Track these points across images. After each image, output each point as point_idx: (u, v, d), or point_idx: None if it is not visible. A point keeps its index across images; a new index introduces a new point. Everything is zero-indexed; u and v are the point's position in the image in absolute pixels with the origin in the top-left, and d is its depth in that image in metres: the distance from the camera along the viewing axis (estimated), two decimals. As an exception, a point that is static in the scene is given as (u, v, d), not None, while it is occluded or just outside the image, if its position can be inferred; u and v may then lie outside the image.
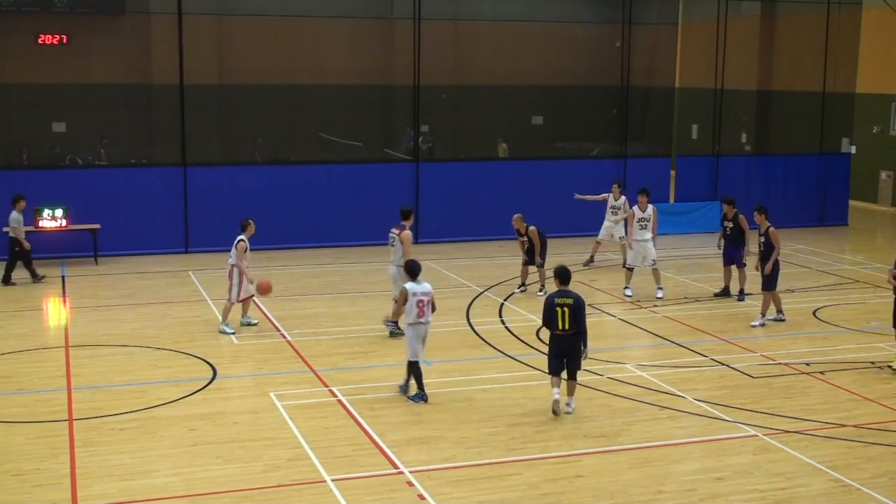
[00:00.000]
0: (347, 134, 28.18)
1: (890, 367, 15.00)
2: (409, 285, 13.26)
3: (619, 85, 28.19)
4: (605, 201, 22.56)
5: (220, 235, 23.50)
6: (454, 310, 18.40)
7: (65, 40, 26.12)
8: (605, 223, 22.49)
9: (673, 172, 28.77)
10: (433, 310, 13.45)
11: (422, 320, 13.22)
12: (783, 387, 14.30)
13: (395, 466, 11.27)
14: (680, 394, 13.83)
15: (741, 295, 19.25)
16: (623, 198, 22.28)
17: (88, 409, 12.99)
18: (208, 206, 23.75)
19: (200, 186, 23.81)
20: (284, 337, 16.59)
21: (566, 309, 12.69)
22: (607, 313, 18.35)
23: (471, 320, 17.73)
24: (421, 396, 13.33)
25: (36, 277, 20.57)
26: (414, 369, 13.37)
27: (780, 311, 17.74)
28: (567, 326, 12.71)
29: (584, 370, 14.56)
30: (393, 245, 16.76)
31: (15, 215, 20.44)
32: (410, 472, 11.12)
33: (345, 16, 27.69)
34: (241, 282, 16.62)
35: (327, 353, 15.70)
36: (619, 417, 12.94)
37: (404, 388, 13.55)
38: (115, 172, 24.33)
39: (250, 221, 16.98)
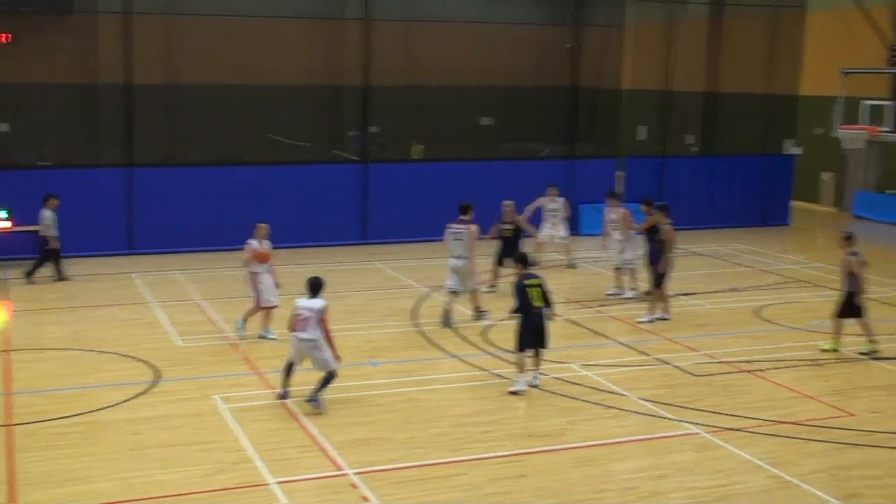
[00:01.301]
0: (296, 135, 28.09)
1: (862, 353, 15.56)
2: (298, 301, 13.25)
3: (568, 86, 28.36)
4: (542, 207, 22.48)
5: (165, 237, 23.40)
6: (401, 311, 18.42)
7: (9, 39, 25.77)
8: (545, 225, 22.46)
9: (620, 173, 29.00)
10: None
11: (298, 334, 13.09)
12: (724, 385, 14.49)
13: (340, 468, 11.27)
14: (623, 393, 13.97)
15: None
16: (561, 199, 22.35)
17: (28, 414, 12.83)
18: (154, 207, 23.55)
19: (147, 188, 23.61)
20: (229, 339, 16.50)
21: (537, 288, 13.86)
22: (553, 313, 18.41)
23: (417, 321, 17.74)
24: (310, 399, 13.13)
25: (61, 277, 20.63)
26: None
27: (666, 310, 17.97)
28: (540, 303, 13.85)
29: (527, 369, 14.68)
30: (457, 240, 17.04)
31: (47, 213, 20.54)
32: (355, 473, 11.12)
33: (294, 16, 27.59)
34: (257, 288, 16.28)
35: (273, 355, 15.61)
36: (563, 417, 13.04)
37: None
38: (59, 173, 24.02)
39: (259, 224, 16.66)
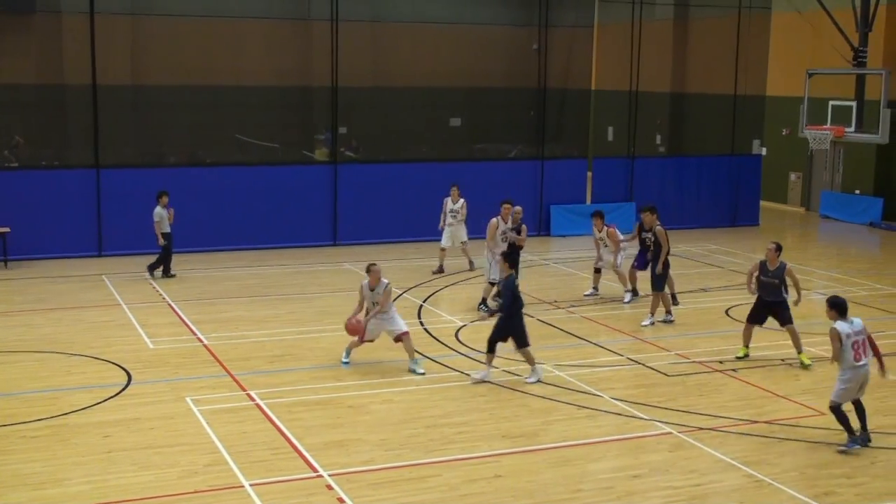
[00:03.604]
0: (265, 136, 27.93)
1: (801, 363, 15.37)
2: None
3: (536, 87, 28.43)
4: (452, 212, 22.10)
5: (134, 239, 23.19)
6: (372, 312, 18.36)
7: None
8: (447, 228, 22.01)
9: (589, 174, 29.12)
10: None
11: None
12: (697, 385, 14.57)
13: (314, 470, 11.22)
14: (597, 393, 14.00)
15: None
16: (462, 200, 22.02)
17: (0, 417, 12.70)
18: (122, 208, 23.36)
19: (114, 189, 23.42)
20: (201, 341, 16.39)
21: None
22: (525, 314, 18.44)
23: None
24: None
25: (168, 273, 21.05)
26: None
27: (668, 311, 18.00)
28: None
29: (503, 370, 14.72)
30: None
31: (158, 210, 20.86)
32: (329, 475, 11.07)
33: (262, 16, 27.41)
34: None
35: (245, 356, 15.56)
36: (538, 417, 13.05)
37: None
38: (25, 174, 23.77)
39: (372, 268, 14.97)
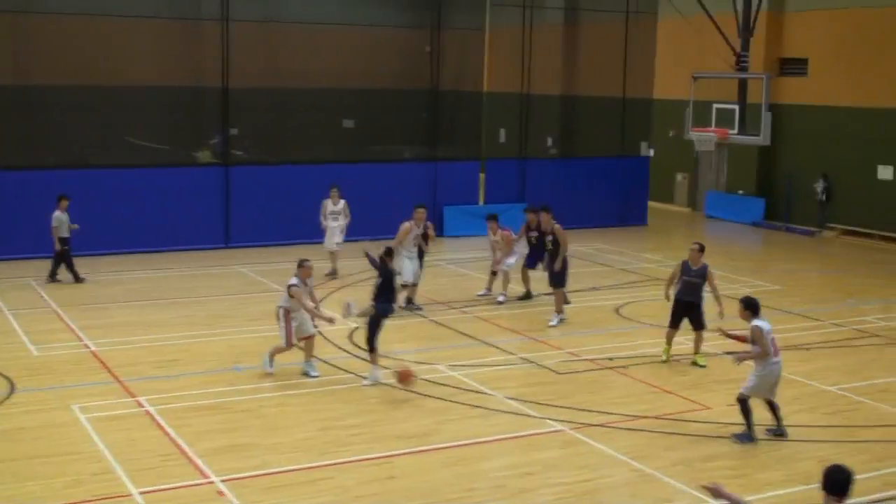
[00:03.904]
0: (155, 137, 27.42)
1: (695, 362, 15.70)
2: None
3: (429, 89, 28.53)
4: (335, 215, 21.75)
5: (19, 242, 22.54)
6: (265, 315, 18.14)
7: None
8: (329, 230, 21.60)
9: (482, 175, 29.35)
10: None
11: None
12: (588, 382, 14.81)
13: (206, 476, 11.07)
14: (490, 392, 14.13)
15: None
16: (342, 202, 21.63)
17: None
18: (6, 212, 22.70)
19: (-1, 191, 22.78)
20: (89, 347, 16.02)
21: None
22: (419, 315, 18.55)
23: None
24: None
25: (78, 279, 20.52)
26: None
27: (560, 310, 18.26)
28: None
29: (396, 372, 14.74)
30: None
31: (57, 214, 20.27)
32: (222, 480, 10.94)
33: (151, 15, 26.90)
34: (288, 324, 14.58)
35: (134, 362, 15.26)
36: (431, 417, 13.11)
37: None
38: None
39: (305, 263, 14.74)
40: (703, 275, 15.54)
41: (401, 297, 18.11)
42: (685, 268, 15.64)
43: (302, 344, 14.68)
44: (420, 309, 18.60)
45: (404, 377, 13.87)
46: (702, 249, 15.67)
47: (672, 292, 15.85)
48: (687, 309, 15.62)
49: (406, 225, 18.75)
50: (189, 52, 26.84)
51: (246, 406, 13.35)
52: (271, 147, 28.66)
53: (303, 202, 25.53)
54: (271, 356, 14.68)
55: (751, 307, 12.44)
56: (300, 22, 29.27)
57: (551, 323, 17.92)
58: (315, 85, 29.39)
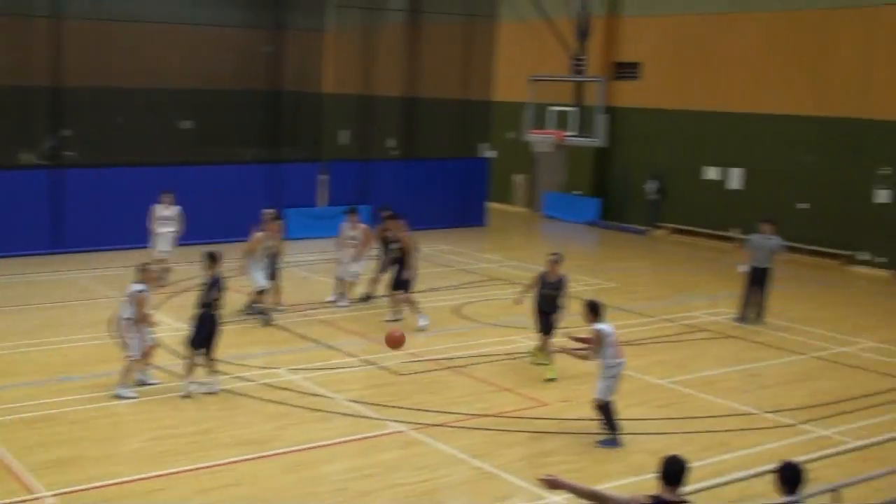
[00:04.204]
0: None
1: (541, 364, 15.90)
2: None
3: (269, 90, 28.23)
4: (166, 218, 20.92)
5: None
6: (99, 322, 17.67)
7: None
8: (157, 236, 20.69)
9: (324, 177, 29.20)
10: None
11: None
12: (428, 382, 14.92)
13: (35, 491, 10.66)
14: (330, 395, 14.08)
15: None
16: (176, 208, 20.79)
17: None
18: None
19: None
20: None
21: None
22: (261, 319, 18.31)
23: (113, 333, 17.03)
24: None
25: None
26: None
27: (397, 313, 18.27)
28: None
29: (236, 376, 14.55)
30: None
31: None
32: (52, 495, 10.57)
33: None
34: (137, 334, 13.83)
35: (-45, 373, 14.57)
36: (272, 423, 12.97)
37: None
38: None
39: (148, 267, 14.29)
40: (559, 287, 15.45)
41: (259, 301, 17.87)
42: (543, 279, 15.63)
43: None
44: (265, 315, 18.13)
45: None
46: (557, 261, 15.58)
47: (528, 299, 15.84)
48: (547, 317, 15.60)
49: (259, 235, 18.35)
50: (18, 50, 25.86)
51: (76, 417, 12.91)
52: (106, 149, 27.88)
53: (139, 205, 24.84)
54: (126, 379, 13.77)
55: (594, 310, 12.66)
56: (136, 20, 28.61)
57: (421, 324, 17.66)
58: (152, 85, 28.78)
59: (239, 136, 30.01)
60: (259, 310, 18.17)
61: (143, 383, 14.07)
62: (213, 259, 14.22)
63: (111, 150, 27.82)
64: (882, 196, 25.01)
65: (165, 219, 20.74)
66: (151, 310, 14.45)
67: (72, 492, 10.69)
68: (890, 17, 24.59)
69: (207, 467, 11.50)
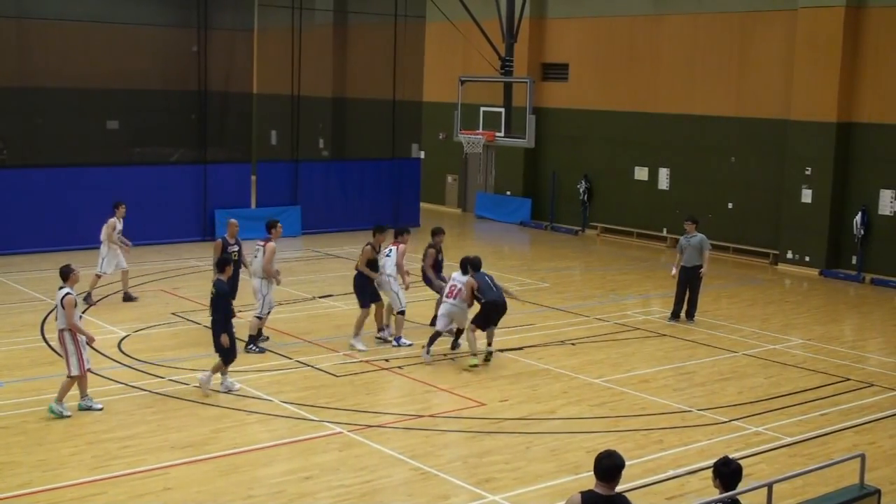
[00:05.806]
0: None
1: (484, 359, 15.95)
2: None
3: (197, 90, 27.91)
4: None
5: None
6: (28, 325, 17.34)
7: None
8: (110, 251, 19.40)
9: (253, 178, 28.97)
10: None
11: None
12: (365, 383, 14.88)
13: (-37, 499, 10.43)
14: (267, 397, 13.97)
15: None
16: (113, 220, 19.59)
17: None
18: None
19: None
20: None
21: None
22: (192, 321, 18.12)
23: (45, 336, 16.73)
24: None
25: None
26: None
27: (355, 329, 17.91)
28: None
29: (170, 380, 14.37)
30: (255, 256, 16.59)
31: None
32: (-19, 503, 10.35)
33: None
34: (77, 347, 13.08)
35: None
36: (207, 426, 12.83)
37: None
38: None
39: (71, 268, 13.40)
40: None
41: None
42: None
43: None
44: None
45: None
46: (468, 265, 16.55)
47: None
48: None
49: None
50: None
51: (6, 423, 12.63)
52: (30, 150, 27.32)
53: (66, 207, 24.46)
54: (62, 396, 13.01)
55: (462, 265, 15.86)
56: (60, 19, 28.08)
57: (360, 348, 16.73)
58: (76, 85, 28.26)
59: (166, 136, 29.61)
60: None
61: (88, 408, 13.28)
62: (225, 264, 14.54)
63: (36, 151, 27.25)
64: (806, 196, 25.54)
65: (120, 232, 19.62)
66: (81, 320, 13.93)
67: (3, 498, 10.46)
68: (808, 20, 25.12)
69: (142, 472, 11.34)
